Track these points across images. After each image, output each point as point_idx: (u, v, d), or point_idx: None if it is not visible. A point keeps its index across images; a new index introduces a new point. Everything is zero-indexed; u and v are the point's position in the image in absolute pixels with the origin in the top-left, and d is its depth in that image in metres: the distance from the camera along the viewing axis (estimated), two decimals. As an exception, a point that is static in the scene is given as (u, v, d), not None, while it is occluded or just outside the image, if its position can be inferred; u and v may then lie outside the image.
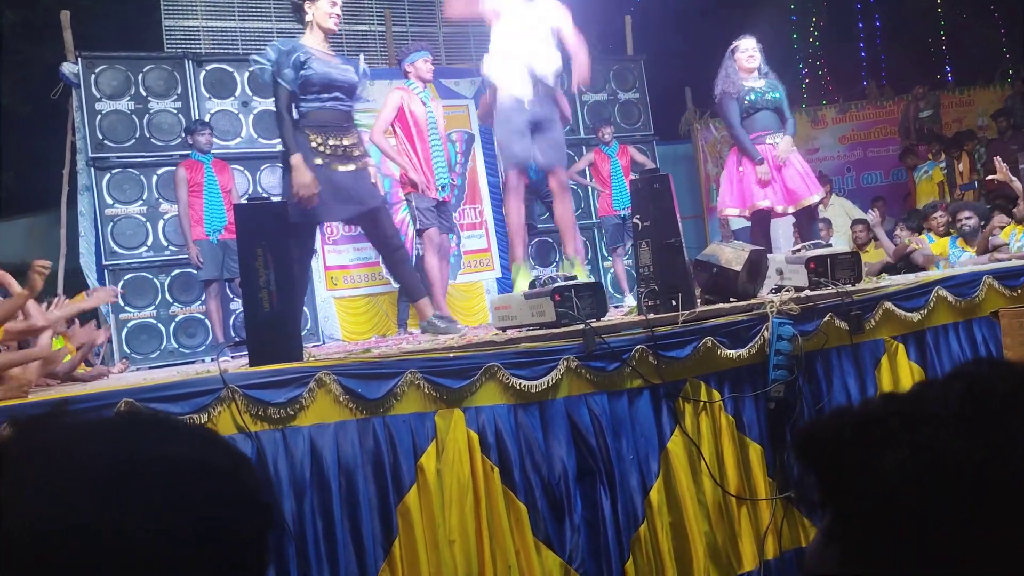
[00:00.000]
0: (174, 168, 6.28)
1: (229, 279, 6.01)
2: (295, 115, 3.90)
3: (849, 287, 3.81)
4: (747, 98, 5.07)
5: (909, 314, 3.81)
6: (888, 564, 0.57)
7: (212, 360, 5.18)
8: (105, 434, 0.64)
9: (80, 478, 0.58)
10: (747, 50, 5.10)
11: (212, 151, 6.12)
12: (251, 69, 4.51)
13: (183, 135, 6.26)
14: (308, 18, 3.91)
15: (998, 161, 5.30)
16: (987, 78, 10.63)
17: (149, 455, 0.61)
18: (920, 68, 11.91)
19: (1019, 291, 4.06)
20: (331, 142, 3.87)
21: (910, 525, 0.56)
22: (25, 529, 0.55)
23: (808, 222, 5.22)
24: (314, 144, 3.83)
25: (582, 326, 3.25)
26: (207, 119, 6.57)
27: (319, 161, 3.81)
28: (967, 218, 6.04)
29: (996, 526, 0.54)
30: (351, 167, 3.92)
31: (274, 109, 3.93)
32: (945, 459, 0.57)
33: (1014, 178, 5.40)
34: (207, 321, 6.40)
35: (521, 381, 3.07)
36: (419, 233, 5.31)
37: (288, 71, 3.78)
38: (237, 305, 6.25)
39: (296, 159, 3.73)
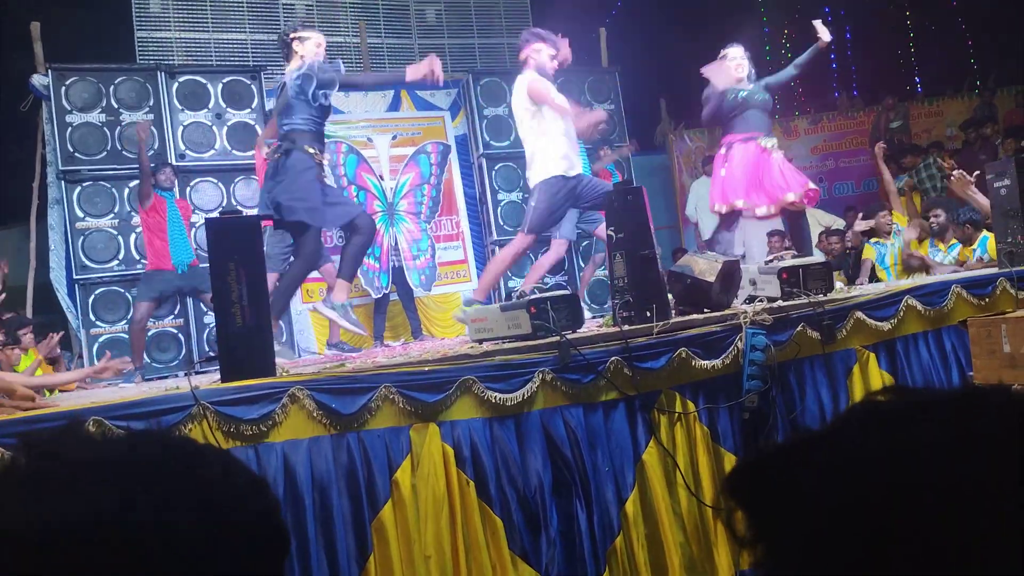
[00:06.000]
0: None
1: (199, 293, 6.00)
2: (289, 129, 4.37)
3: (821, 297, 3.85)
4: (738, 95, 5.10)
5: (880, 323, 3.85)
6: None
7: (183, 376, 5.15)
8: (128, 454, 0.66)
9: (99, 493, 0.60)
10: (735, 58, 5.15)
11: (172, 188, 6.11)
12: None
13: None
14: (297, 55, 4.41)
15: (962, 175, 5.44)
16: (955, 88, 10.81)
17: (172, 475, 0.64)
18: (890, 79, 12.09)
19: (987, 300, 4.12)
20: (320, 159, 4.40)
21: (831, 547, 0.58)
22: (42, 532, 0.58)
23: (795, 220, 5.26)
24: (313, 155, 4.34)
25: (558, 338, 3.25)
26: (180, 131, 6.53)
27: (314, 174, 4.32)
28: (935, 216, 6.21)
29: (913, 535, 0.56)
30: (329, 180, 4.46)
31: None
32: (851, 476, 0.59)
33: (976, 191, 5.53)
34: (180, 336, 6.34)
35: (496, 394, 3.06)
36: None
37: (324, 74, 4.29)
38: (210, 319, 6.20)
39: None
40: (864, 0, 12.98)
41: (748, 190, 5.10)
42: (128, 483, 0.61)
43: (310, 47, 4.37)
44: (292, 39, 4.41)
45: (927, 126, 10.38)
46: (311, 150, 4.32)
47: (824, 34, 5.13)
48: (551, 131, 4.61)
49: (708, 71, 5.18)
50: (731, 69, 5.13)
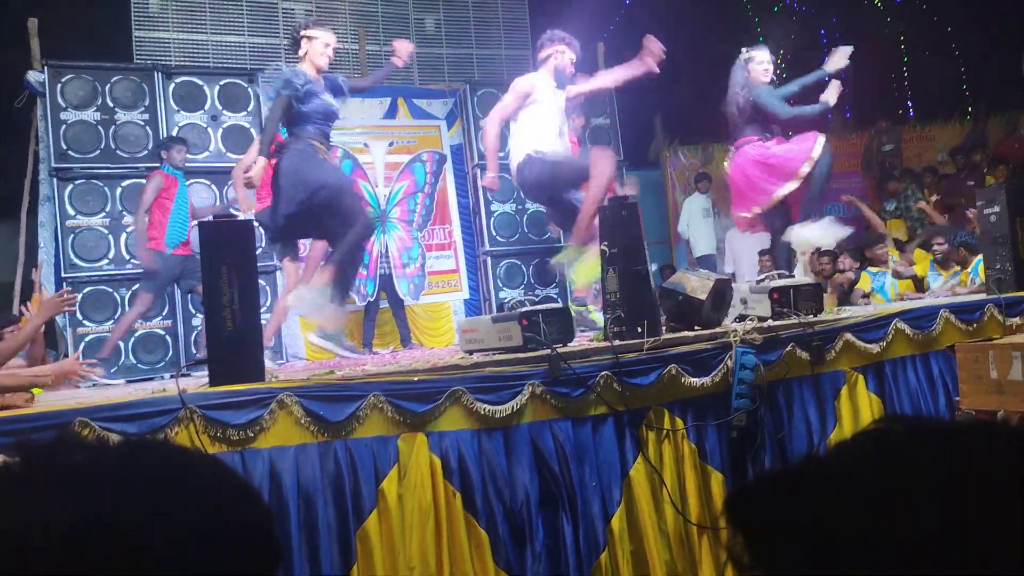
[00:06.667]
0: (140, 180, 6.20)
1: (189, 290, 5.96)
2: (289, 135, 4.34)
3: (811, 318, 3.86)
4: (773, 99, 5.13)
5: (869, 346, 3.87)
6: None
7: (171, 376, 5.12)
8: (121, 461, 0.65)
9: (91, 500, 0.60)
10: (763, 62, 5.19)
11: (184, 167, 6.08)
12: (268, 81, 4.86)
13: (157, 150, 6.16)
14: (303, 52, 4.35)
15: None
16: (947, 114, 10.92)
17: (165, 484, 0.64)
18: (883, 103, 12.19)
19: (975, 326, 4.14)
20: (324, 151, 4.34)
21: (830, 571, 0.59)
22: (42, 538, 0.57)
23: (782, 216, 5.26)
24: (312, 147, 4.28)
25: (548, 351, 3.25)
26: (175, 132, 6.51)
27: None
28: (939, 244, 6.30)
29: (905, 568, 0.57)
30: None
31: (264, 116, 4.32)
32: (847, 507, 0.60)
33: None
34: (167, 337, 6.30)
35: (485, 406, 3.05)
36: None
37: (291, 88, 4.20)
38: (199, 321, 6.16)
39: (262, 160, 4.19)
40: (860, 24, 13.11)
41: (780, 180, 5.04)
42: (120, 491, 0.61)
43: (317, 47, 4.34)
44: (301, 37, 4.38)
45: (919, 150, 10.46)
46: (314, 143, 4.30)
47: (834, 63, 5.17)
48: (533, 122, 4.68)
49: None
50: (759, 72, 5.15)
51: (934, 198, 8.58)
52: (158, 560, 0.58)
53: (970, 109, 11.06)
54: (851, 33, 13.28)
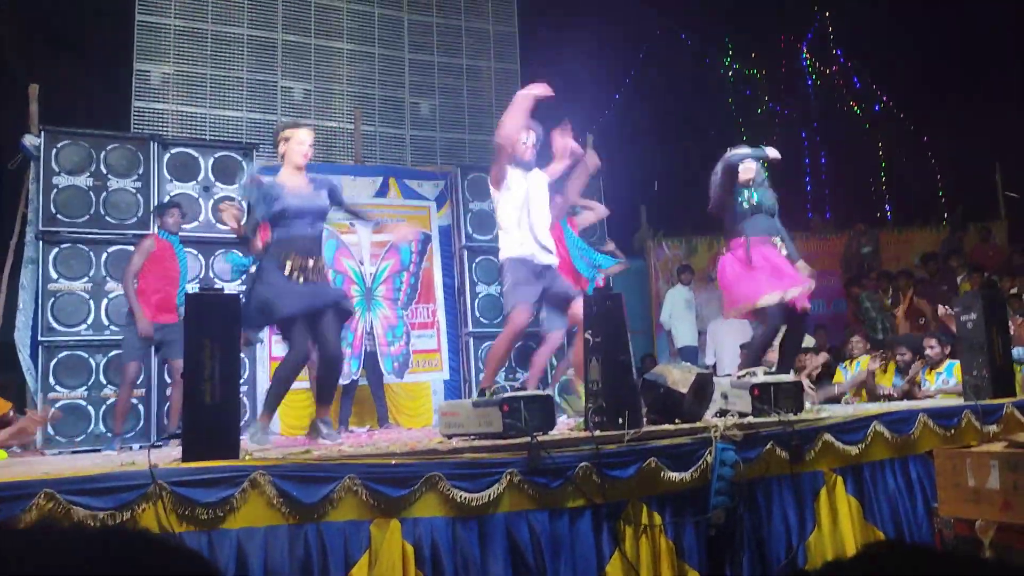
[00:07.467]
0: (127, 247, 6.19)
1: (165, 360, 5.86)
2: (271, 238, 4.29)
3: (791, 416, 3.86)
4: (753, 197, 5.10)
5: (847, 447, 3.86)
6: None
7: (141, 448, 5.01)
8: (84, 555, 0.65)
9: None
10: (750, 169, 5.24)
11: (179, 231, 6.06)
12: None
13: (152, 216, 6.19)
14: (281, 153, 4.37)
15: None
16: (924, 220, 11.22)
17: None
18: (862, 206, 12.54)
19: (952, 431, 4.15)
20: (299, 263, 4.18)
21: None
22: None
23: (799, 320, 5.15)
24: (285, 264, 4.17)
25: (529, 439, 3.22)
26: (167, 199, 6.55)
27: (286, 273, 4.18)
28: (901, 354, 6.38)
29: None
30: (315, 279, 4.25)
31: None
32: None
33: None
34: (140, 407, 6.18)
35: (462, 493, 3.00)
36: None
37: (262, 206, 4.21)
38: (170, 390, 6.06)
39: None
40: (839, 129, 13.59)
41: (773, 283, 4.95)
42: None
43: (292, 146, 4.34)
44: (280, 140, 4.40)
45: (897, 253, 10.69)
46: (288, 262, 4.19)
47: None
48: (506, 218, 4.73)
49: None
50: (740, 173, 5.23)
51: (906, 303, 8.75)
52: None
53: (946, 215, 11.38)
54: (831, 137, 13.76)
